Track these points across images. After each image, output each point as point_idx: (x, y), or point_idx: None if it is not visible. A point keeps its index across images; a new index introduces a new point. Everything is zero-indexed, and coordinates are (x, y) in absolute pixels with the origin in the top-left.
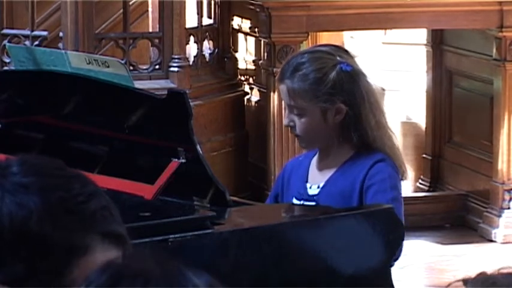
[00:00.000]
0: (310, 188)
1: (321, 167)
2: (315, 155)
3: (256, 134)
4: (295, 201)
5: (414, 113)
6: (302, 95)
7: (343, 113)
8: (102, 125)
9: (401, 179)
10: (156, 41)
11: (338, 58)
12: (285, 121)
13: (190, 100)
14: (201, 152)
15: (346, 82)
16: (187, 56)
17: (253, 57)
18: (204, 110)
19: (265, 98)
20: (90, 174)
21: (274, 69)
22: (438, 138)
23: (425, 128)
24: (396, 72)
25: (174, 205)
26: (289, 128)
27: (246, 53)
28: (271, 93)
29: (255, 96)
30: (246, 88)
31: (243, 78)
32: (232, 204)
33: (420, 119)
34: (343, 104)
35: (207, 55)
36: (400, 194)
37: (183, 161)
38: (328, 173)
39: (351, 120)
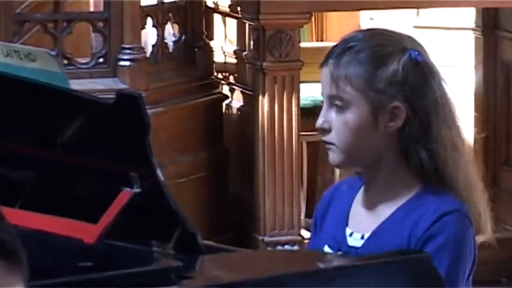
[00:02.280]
0: (351, 235)
1: (368, 206)
2: (362, 186)
3: (239, 154)
4: (328, 250)
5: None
6: (350, 79)
7: (401, 117)
8: (25, 141)
9: (477, 234)
10: (100, 24)
11: (407, 43)
12: (318, 121)
13: (147, 106)
14: (162, 178)
15: (415, 75)
16: (142, 45)
17: (235, 47)
18: (166, 120)
19: (251, 103)
20: (10, 209)
21: (264, 64)
22: (492, 158)
23: (473, 143)
24: None
25: (125, 252)
26: (321, 132)
27: (224, 42)
28: (260, 97)
29: (237, 101)
30: (225, 90)
31: (220, 75)
32: (206, 251)
33: (467, 130)
34: (405, 105)
35: (170, 44)
36: (467, 266)
37: (137, 190)
38: (378, 217)
39: (414, 131)
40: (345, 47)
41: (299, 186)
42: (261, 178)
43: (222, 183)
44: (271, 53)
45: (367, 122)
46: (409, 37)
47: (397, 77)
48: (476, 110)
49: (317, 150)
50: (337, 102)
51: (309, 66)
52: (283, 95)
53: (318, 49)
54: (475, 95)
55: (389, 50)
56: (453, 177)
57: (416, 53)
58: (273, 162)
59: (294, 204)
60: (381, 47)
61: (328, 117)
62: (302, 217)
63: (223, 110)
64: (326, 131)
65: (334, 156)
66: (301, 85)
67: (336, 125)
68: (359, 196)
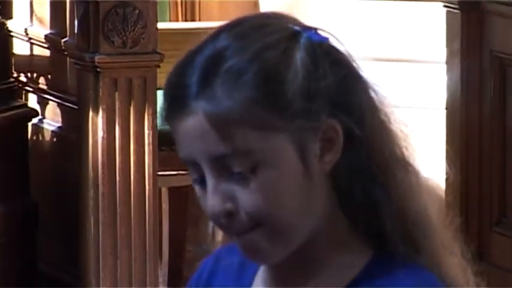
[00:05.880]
0: None
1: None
2: None
3: (57, 209)
4: None
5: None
6: (246, 119)
7: (339, 141)
8: None
9: None
10: None
11: (290, 25)
12: (211, 203)
13: None
14: None
15: (330, 64)
16: None
17: (48, 30)
18: None
19: (75, 123)
20: None
21: (97, 58)
22: (475, 214)
23: (445, 187)
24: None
25: None
26: (225, 223)
27: (30, 21)
28: (91, 114)
29: (51, 119)
30: (32, 101)
31: (24, 77)
32: None
33: (438, 170)
34: (336, 120)
35: None
36: None
37: None
38: None
39: (357, 156)
40: (209, 70)
41: (156, 262)
42: (92, 249)
43: (29, 260)
44: (108, 40)
45: (296, 173)
46: (282, 14)
47: (311, 78)
48: (449, 134)
49: (185, 201)
50: (238, 164)
51: (173, 63)
52: (129, 109)
53: (189, 34)
54: (447, 104)
55: (282, 47)
56: (416, 227)
57: (313, 31)
58: (113, 222)
59: None
60: (271, 46)
61: (226, 191)
62: None
63: (29, 135)
64: (233, 216)
65: (266, 250)
66: (161, 94)
67: (246, 200)
68: (263, 272)
